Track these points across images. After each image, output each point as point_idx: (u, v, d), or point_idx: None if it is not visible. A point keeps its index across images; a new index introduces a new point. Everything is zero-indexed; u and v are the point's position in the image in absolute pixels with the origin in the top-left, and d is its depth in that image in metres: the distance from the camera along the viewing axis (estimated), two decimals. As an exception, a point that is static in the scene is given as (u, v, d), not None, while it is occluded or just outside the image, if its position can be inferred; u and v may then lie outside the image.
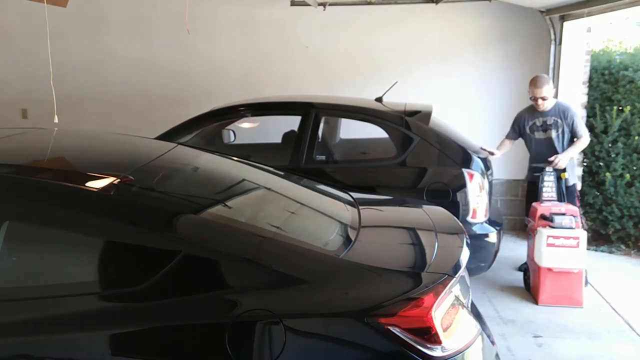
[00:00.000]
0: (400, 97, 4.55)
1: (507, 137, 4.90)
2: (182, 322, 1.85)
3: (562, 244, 4.08)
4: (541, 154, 4.66)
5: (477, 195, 3.84)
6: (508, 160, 5.93)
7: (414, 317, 1.82)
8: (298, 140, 4.14)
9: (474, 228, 3.84)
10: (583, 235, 4.12)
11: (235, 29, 6.06)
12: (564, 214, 4.20)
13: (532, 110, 4.71)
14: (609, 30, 6.61)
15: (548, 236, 4.10)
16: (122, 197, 2.11)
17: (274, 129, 5.10)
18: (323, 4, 5.72)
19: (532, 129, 4.71)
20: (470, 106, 5.95)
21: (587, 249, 5.50)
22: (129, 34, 6.13)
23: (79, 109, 6.08)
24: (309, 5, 5.53)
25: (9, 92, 6.22)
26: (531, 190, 4.76)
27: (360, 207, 2.69)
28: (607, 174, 5.41)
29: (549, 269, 4.10)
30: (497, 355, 2.29)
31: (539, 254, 4.16)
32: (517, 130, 4.81)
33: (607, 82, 5.51)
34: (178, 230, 2.03)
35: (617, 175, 5.41)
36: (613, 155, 5.43)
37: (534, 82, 4.61)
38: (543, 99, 4.56)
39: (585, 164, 5.67)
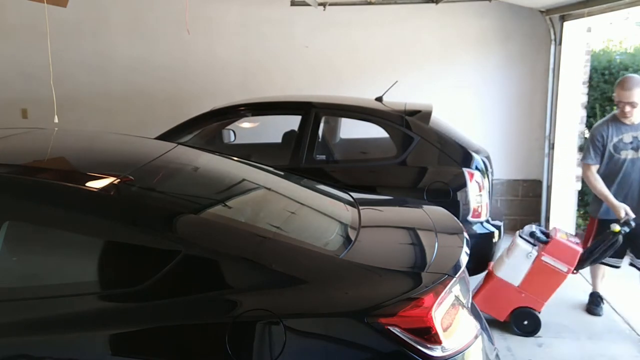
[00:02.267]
0: (400, 97, 4.55)
1: (591, 162, 3.87)
2: (182, 322, 1.85)
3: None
4: (629, 181, 3.81)
5: (477, 195, 3.84)
6: (508, 160, 5.96)
7: (414, 317, 1.82)
8: (298, 140, 4.13)
9: (474, 228, 3.83)
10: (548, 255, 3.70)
11: (235, 29, 6.06)
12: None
13: (617, 123, 3.81)
14: (609, 30, 6.60)
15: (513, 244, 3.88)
16: (122, 197, 2.11)
17: (274, 129, 5.09)
18: (323, 4, 5.72)
19: (618, 148, 3.79)
20: (470, 106, 5.95)
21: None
22: (129, 34, 6.13)
23: (79, 109, 6.08)
24: (309, 5, 5.52)
25: (9, 92, 6.22)
26: (601, 231, 3.85)
27: (360, 207, 2.69)
28: (607, 173, 5.40)
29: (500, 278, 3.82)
30: (497, 355, 2.29)
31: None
32: (602, 149, 3.83)
33: (607, 82, 5.51)
34: (178, 230, 2.03)
35: (617, 175, 5.39)
36: (613, 155, 5.42)
37: (621, 84, 3.74)
38: (632, 105, 3.67)
39: (585, 163, 5.66)
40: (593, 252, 3.70)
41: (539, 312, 3.77)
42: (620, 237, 3.59)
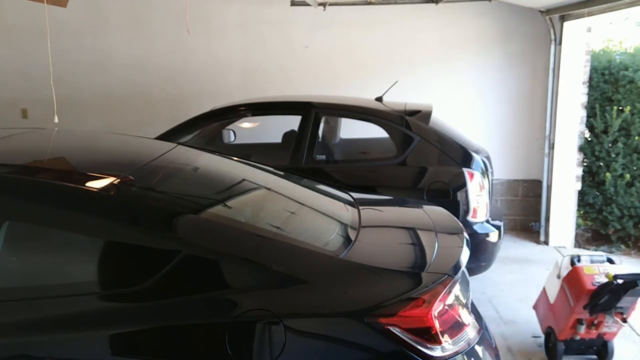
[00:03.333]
0: (400, 97, 4.56)
1: None
2: (182, 322, 1.85)
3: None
4: None
5: (477, 195, 3.84)
6: (508, 160, 5.96)
7: (414, 317, 1.82)
8: (298, 140, 4.14)
9: (474, 228, 3.84)
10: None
11: (235, 29, 6.06)
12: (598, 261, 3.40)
13: None
14: (609, 30, 6.61)
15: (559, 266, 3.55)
16: (122, 197, 2.11)
17: (274, 129, 5.10)
18: (323, 4, 5.72)
19: None
20: (470, 106, 5.95)
21: (587, 249, 5.55)
22: (129, 34, 6.13)
23: (79, 109, 6.09)
24: (309, 5, 5.53)
25: (9, 92, 6.22)
26: None
27: (360, 207, 2.69)
28: (607, 174, 5.41)
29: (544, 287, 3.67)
30: (497, 355, 2.29)
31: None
32: None
33: (607, 82, 5.51)
34: (178, 230, 2.03)
35: (617, 175, 5.41)
36: (613, 155, 5.43)
37: None
38: None
39: (585, 164, 5.67)
40: (594, 297, 3.21)
41: (561, 341, 3.39)
42: (619, 286, 3.12)
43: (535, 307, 3.76)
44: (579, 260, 3.40)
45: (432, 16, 5.87)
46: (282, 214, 2.50)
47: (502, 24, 5.84)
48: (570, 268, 3.38)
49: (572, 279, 3.34)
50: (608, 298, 3.16)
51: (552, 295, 3.53)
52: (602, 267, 3.32)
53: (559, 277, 3.47)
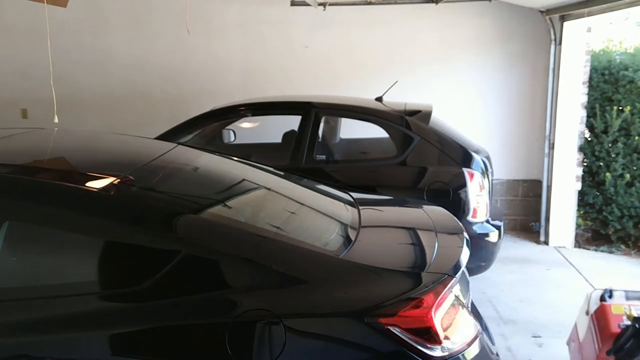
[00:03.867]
0: (400, 97, 4.56)
1: None
2: (182, 322, 1.85)
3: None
4: None
5: (477, 195, 3.84)
6: (508, 160, 5.96)
7: (414, 317, 1.82)
8: (298, 140, 4.14)
9: (474, 228, 3.84)
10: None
11: (235, 29, 6.06)
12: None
13: None
14: (609, 30, 6.61)
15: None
16: (122, 197, 2.11)
17: (274, 129, 5.10)
18: (323, 4, 5.72)
19: None
20: (470, 106, 5.95)
21: (587, 249, 5.56)
22: (129, 34, 6.13)
23: (79, 109, 6.09)
24: (309, 5, 5.53)
25: (9, 92, 6.22)
26: None
27: (360, 207, 2.69)
28: (607, 174, 5.41)
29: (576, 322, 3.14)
30: (497, 355, 2.29)
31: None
32: None
33: (607, 82, 5.51)
34: (178, 230, 2.03)
35: (617, 175, 5.40)
36: (613, 155, 5.43)
37: None
38: None
39: (585, 164, 5.67)
40: (619, 339, 2.66)
41: None
42: None
43: (568, 343, 3.30)
44: (610, 296, 2.86)
45: (432, 16, 5.87)
46: (282, 214, 2.50)
47: (502, 24, 5.85)
48: (599, 304, 2.86)
49: (599, 318, 2.83)
50: (632, 344, 2.63)
51: (582, 334, 3.02)
52: (635, 305, 2.77)
53: (587, 313, 2.96)
